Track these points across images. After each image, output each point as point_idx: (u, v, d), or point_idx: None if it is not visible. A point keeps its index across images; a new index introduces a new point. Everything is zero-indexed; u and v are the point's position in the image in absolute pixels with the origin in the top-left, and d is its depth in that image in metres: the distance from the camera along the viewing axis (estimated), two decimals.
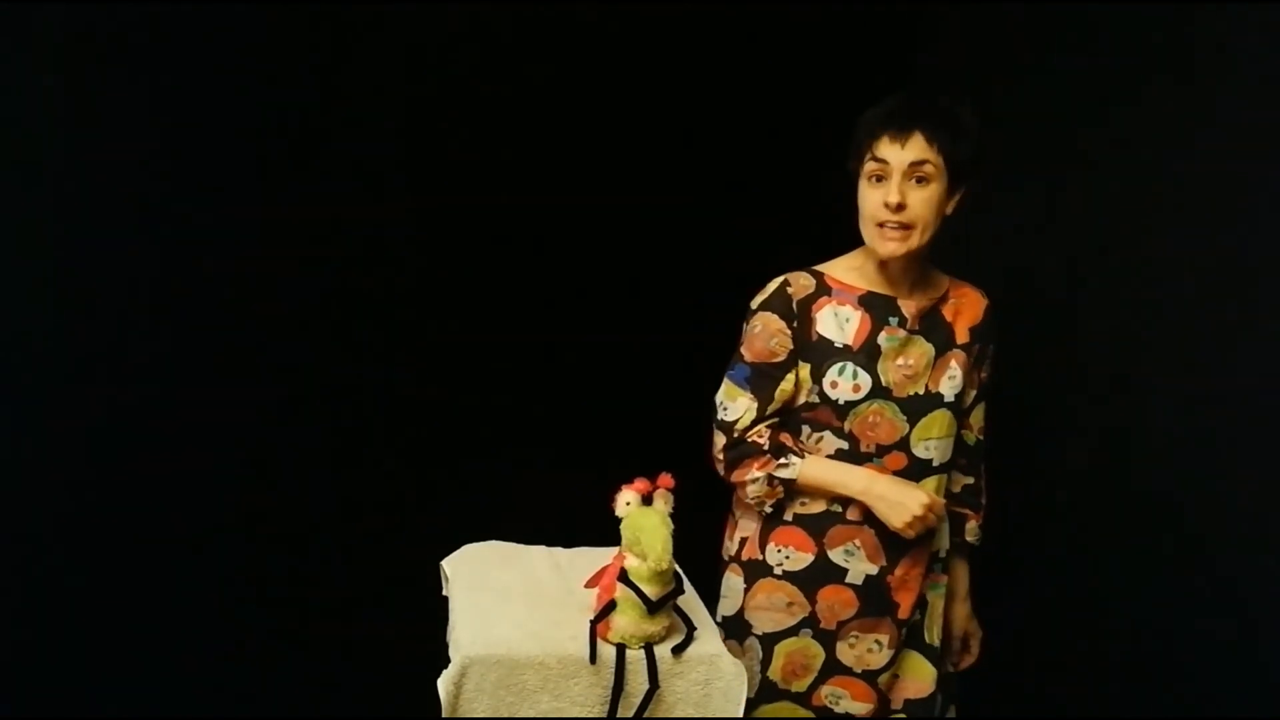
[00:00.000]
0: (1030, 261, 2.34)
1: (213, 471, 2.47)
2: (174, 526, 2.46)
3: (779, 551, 1.98)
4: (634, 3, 2.55)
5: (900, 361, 1.92)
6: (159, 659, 2.48)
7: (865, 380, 1.90)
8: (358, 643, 2.58)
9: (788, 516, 1.98)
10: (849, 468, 1.92)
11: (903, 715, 2.01)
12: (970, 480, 2.08)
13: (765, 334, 1.93)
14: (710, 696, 1.78)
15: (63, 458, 2.38)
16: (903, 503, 1.88)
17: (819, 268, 1.96)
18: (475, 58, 2.52)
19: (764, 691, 1.99)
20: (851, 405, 1.91)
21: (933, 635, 2.03)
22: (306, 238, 2.48)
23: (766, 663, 1.99)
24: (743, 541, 2.04)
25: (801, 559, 1.97)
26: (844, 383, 1.91)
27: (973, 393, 2.02)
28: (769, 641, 1.99)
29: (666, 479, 1.78)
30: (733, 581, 2.04)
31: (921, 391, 1.92)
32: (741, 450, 1.95)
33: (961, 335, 1.96)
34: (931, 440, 1.93)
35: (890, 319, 1.92)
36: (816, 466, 1.93)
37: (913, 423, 1.92)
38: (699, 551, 1.93)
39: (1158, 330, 2.03)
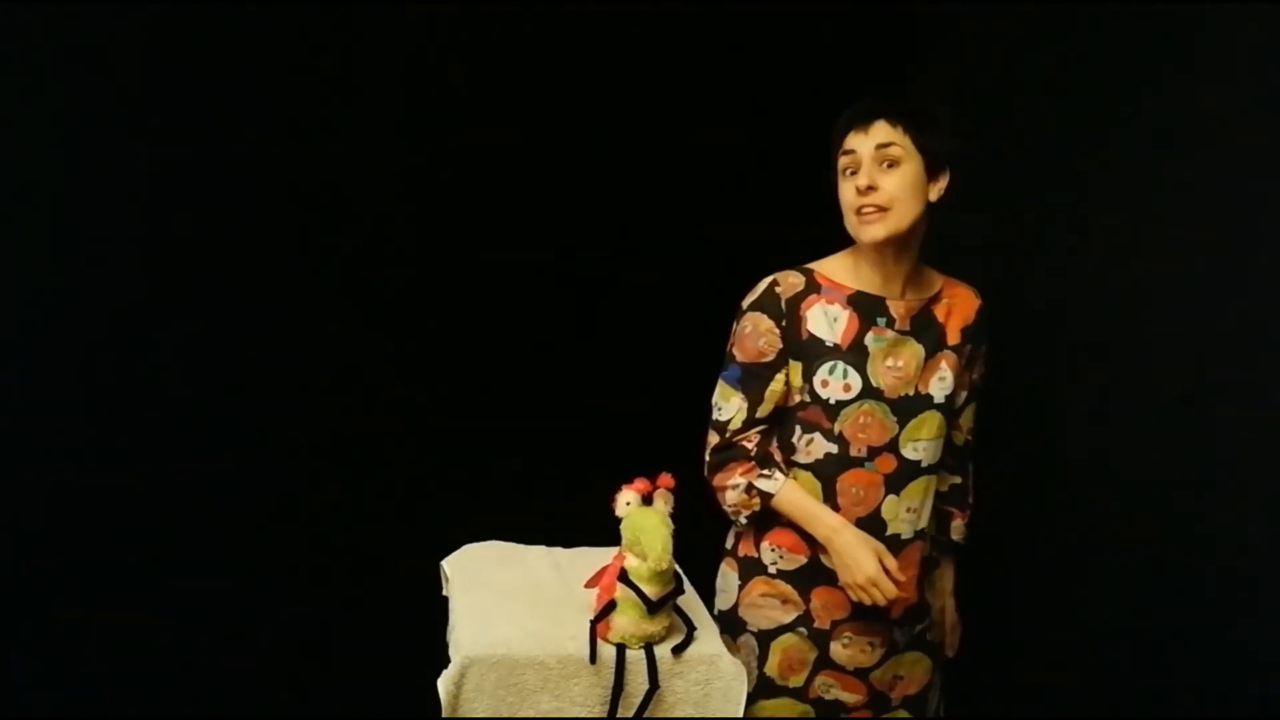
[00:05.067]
0: (1026, 263, 2.34)
1: (213, 471, 2.47)
2: (174, 527, 2.46)
3: (773, 551, 1.98)
4: (636, 4, 2.55)
5: (890, 363, 1.91)
6: (159, 659, 2.48)
7: (856, 380, 1.89)
8: (358, 643, 2.58)
9: (782, 518, 1.97)
10: (824, 508, 1.91)
11: (904, 714, 2.03)
12: (957, 480, 2.08)
13: (755, 334, 1.92)
14: (710, 696, 1.78)
15: (62, 457, 2.38)
16: (856, 563, 1.86)
17: (810, 265, 1.95)
18: (474, 56, 2.52)
19: (762, 688, 1.98)
20: (842, 405, 1.90)
21: (933, 633, 2.06)
22: (307, 237, 2.48)
23: (763, 659, 1.99)
24: (739, 536, 2.04)
25: (794, 560, 1.97)
26: (834, 382, 1.90)
27: (963, 394, 2.01)
28: (765, 638, 1.99)
29: (666, 479, 1.78)
30: (728, 576, 2.04)
31: (912, 393, 1.92)
32: (729, 454, 1.95)
33: (953, 336, 1.95)
34: (920, 441, 1.92)
35: (878, 319, 1.91)
36: (795, 493, 1.92)
37: (902, 424, 1.91)
38: (699, 551, 1.93)
39: (1152, 330, 2.03)
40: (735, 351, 1.94)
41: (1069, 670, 2.18)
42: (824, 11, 2.66)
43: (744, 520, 1.97)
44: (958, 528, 2.09)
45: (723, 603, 2.05)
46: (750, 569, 2.00)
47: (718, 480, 1.96)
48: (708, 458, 1.97)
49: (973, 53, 2.60)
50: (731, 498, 1.95)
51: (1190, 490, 1.95)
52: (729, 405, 1.94)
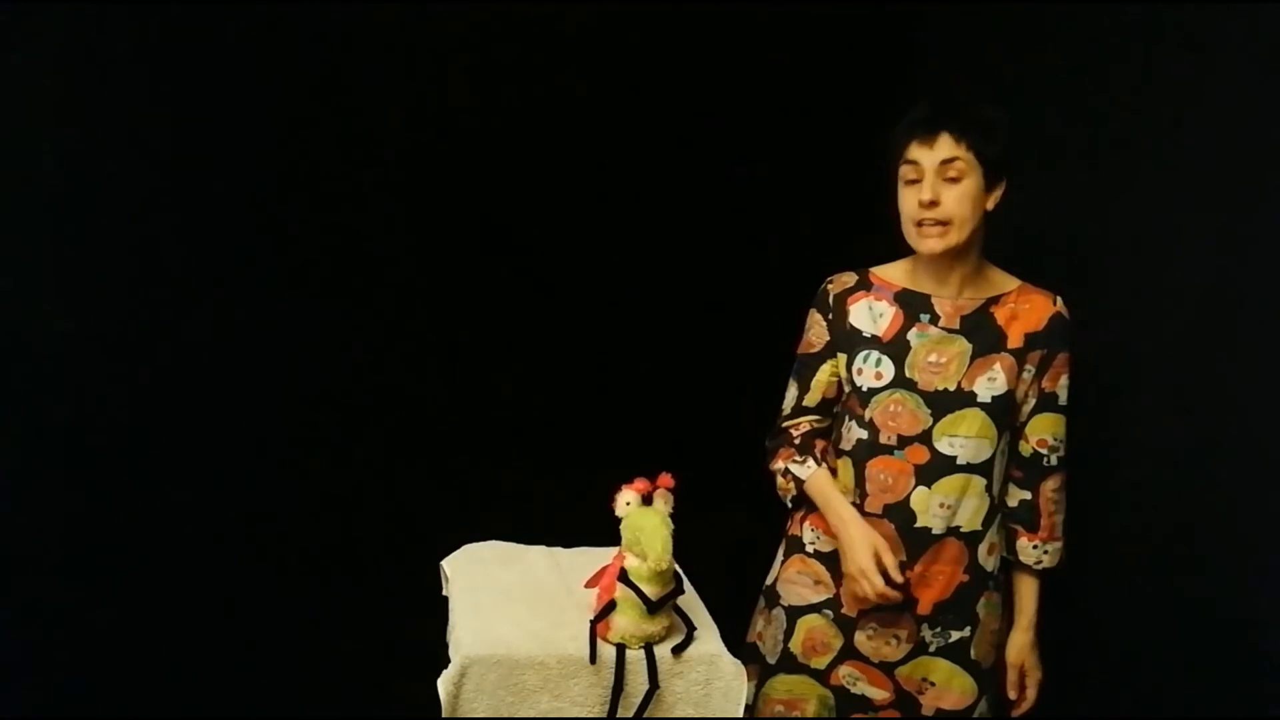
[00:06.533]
0: (1029, 260, 2.34)
1: (213, 471, 2.47)
2: (174, 526, 2.46)
3: (811, 531, 2.05)
4: (638, 3, 2.55)
5: (933, 358, 1.94)
6: (159, 659, 2.48)
7: (888, 369, 1.95)
8: (358, 643, 2.58)
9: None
10: (841, 499, 1.98)
11: None
12: (1027, 496, 1.99)
13: (808, 327, 2.07)
14: (710, 696, 1.78)
15: (61, 455, 2.38)
16: (851, 553, 1.93)
17: (871, 268, 2.03)
18: (476, 58, 2.52)
19: (784, 662, 2.05)
20: (873, 393, 1.96)
21: (980, 653, 2.00)
22: (305, 237, 2.48)
23: (789, 634, 2.05)
24: (792, 517, 2.11)
25: (828, 542, 2.02)
26: (867, 370, 1.97)
27: (1031, 402, 1.97)
28: (793, 614, 2.05)
29: (666, 479, 1.79)
30: (779, 553, 2.12)
31: (951, 388, 1.93)
32: (779, 440, 2.09)
33: (1014, 339, 1.94)
34: (958, 437, 1.92)
35: (922, 316, 1.96)
36: (824, 482, 2.01)
37: (937, 416, 1.92)
38: (699, 551, 1.93)
39: (1157, 328, 2.03)
40: (799, 346, 2.08)
41: (1074, 678, 2.18)
42: (823, 12, 2.65)
43: (789, 502, 2.08)
44: (1024, 548, 2.00)
45: (770, 577, 2.13)
46: (792, 546, 2.09)
47: (769, 465, 2.09)
48: (766, 443, 2.11)
49: (973, 53, 2.60)
50: (778, 481, 2.07)
51: (1192, 497, 1.94)
52: (788, 395, 2.10)
